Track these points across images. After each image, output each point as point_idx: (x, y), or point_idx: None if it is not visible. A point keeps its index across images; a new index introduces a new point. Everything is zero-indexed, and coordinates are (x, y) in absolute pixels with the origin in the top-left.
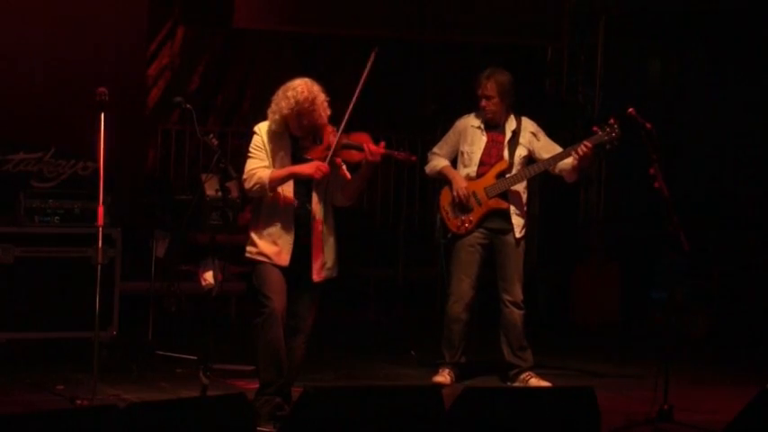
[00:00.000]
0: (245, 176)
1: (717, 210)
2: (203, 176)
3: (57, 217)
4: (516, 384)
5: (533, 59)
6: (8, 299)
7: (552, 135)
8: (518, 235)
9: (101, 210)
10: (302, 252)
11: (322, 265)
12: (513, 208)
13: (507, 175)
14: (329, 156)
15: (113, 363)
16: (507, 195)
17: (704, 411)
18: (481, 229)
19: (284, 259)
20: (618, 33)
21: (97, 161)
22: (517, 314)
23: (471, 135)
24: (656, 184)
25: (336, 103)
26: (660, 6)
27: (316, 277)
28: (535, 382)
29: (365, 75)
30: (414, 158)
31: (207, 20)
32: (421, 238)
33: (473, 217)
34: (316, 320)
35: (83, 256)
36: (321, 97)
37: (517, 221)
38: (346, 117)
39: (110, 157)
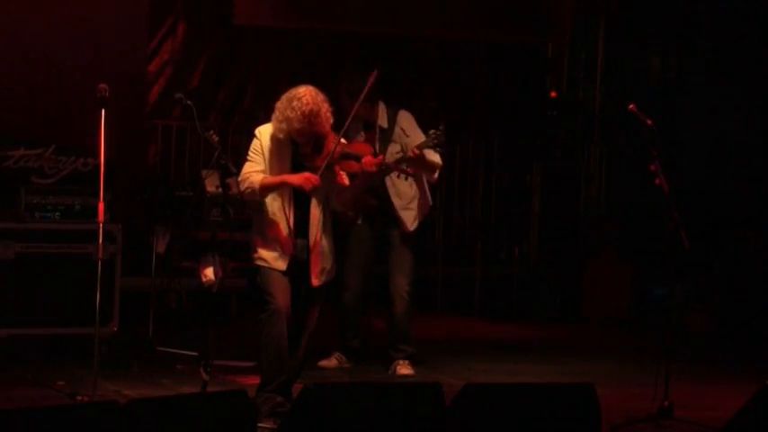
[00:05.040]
0: (240, 179)
1: (716, 206)
2: (204, 173)
3: (57, 213)
4: (390, 372)
5: (534, 57)
6: (8, 295)
7: (553, 133)
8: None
9: (101, 206)
10: (301, 255)
11: (321, 270)
12: (398, 202)
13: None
14: (328, 163)
15: (114, 359)
16: (391, 191)
17: (705, 408)
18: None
19: (282, 264)
20: (618, 31)
21: (98, 157)
22: (398, 305)
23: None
24: (657, 181)
25: (337, 100)
26: (660, 4)
27: (315, 282)
28: (400, 369)
29: (364, 93)
30: (411, 171)
31: (208, 16)
32: (421, 237)
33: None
34: (319, 320)
35: (83, 253)
36: (325, 107)
37: (405, 216)
38: (344, 128)
39: (110, 154)
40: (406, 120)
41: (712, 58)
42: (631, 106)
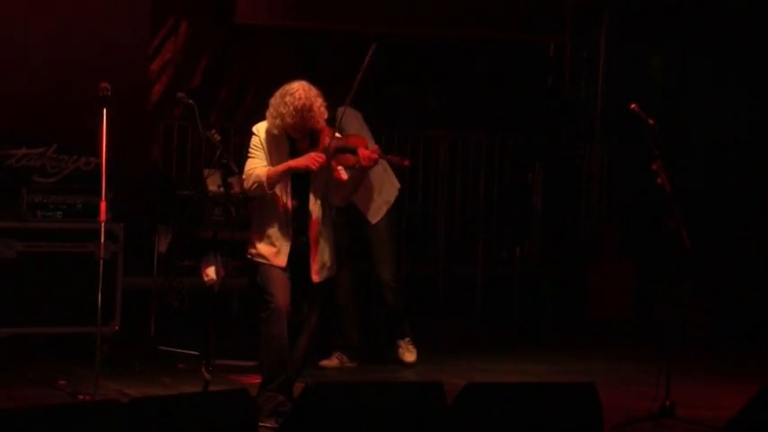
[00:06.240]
0: (244, 176)
1: (718, 206)
2: (205, 172)
3: (59, 212)
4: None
5: (535, 56)
6: (10, 294)
7: (553, 131)
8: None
9: (103, 205)
10: (301, 252)
11: (321, 266)
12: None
13: None
14: (327, 154)
15: (115, 358)
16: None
17: (706, 407)
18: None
19: (282, 260)
20: (620, 29)
21: (99, 156)
22: (387, 295)
23: None
24: (659, 181)
25: (337, 98)
26: (662, 3)
27: (315, 278)
28: (405, 356)
29: (363, 69)
30: (407, 163)
31: (209, 16)
32: (422, 234)
33: None
34: (319, 318)
35: (85, 252)
36: (318, 102)
37: (368, 209)
38: (342, 114)
39: (112, 153)
40: (347, 116)
41: (714, 57)
42: (633, 105)
